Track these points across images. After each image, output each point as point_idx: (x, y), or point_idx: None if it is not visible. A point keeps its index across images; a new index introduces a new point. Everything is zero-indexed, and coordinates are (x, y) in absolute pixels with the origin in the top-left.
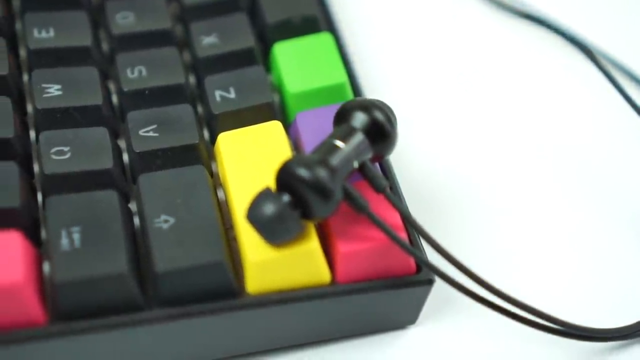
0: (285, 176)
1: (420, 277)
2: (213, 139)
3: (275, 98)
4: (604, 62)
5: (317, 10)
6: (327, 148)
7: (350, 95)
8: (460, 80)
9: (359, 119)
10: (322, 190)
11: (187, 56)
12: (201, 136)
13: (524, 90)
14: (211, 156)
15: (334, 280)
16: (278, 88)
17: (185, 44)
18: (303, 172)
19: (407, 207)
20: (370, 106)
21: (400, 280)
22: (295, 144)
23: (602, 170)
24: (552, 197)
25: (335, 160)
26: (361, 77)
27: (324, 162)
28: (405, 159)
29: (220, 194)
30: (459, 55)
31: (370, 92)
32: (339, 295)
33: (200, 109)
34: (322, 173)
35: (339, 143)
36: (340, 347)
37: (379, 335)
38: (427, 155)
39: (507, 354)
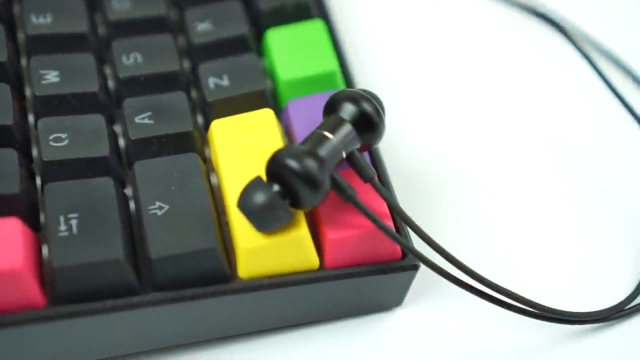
0: (275, 166)
1: (406, 263)
2: (207, 124)
3: (268, 83)
4: (602, 63)
5: None
6: (316, 139)
7: (341, 83)
8: (454, 72)
9: (348, 110)
10: (310, 181)
11: (182, 40)
12: (195, 123)
13: (521, 84)
14: (205, 141)
15: (322, 265)
16: (270, 74)
17: (181, 28)
18: (292, 163)
19: (394, 196)
20: (358, 97)
21: (386, 266)
22: (287, 131)
23: (597, 169)
24: (543, 191)
25: (323, 151)
26: (353, 64)
27: (312, 153)
28: (397, 149)
29: (213, 178)
30: (454, 45)
31: (362, 80)
32: (327, 280)
33: (194, 93)
34: (310, 164)
35: (327, 134)
36: (328, 328)
37: (366, 317)
38: (419, 145)
39: (489, 335)
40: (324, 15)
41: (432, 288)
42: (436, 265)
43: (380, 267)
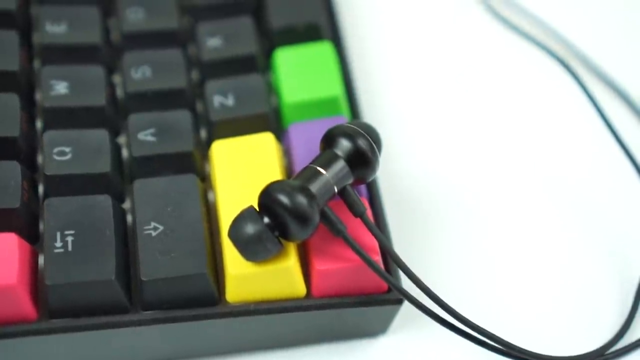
0: (267, 199)
1: (390, 297)
2: (210, 140)
3: (274, 99)
4: (591, 84)
5: (321, 18)
6: (309, 174)
7: (344, 108)
8: (461, 102)
9: (342, 145)
10: (300, 216)
11: (193, 49)
12: (197, 141)
13: (524, 119)
14: (206, 158)
15: (309, 294)
16: (276, 91)
17: (192, 38)
18: (283, 198)
19: (387, 228)
20: (353, 134)
21: (370, 298)
22: (287, 153)
23: (591, 209)
24: (536, 229)
25: (315, 186)
26: (360, 88)
27: (304, 189)
28: (399, 174)
29: (211, 196)
30: (465, 72)
31: (367, 106)
32: (312, 309)
33: (200, 106)
34: (301, 199)
35: (320, 169)
36: (312, 351)
37: (350, 342)
38: (421, 171)
39: None
40: (336, 37)
41: (417, 318)
42: (420, 302)
43: (364, 299)
